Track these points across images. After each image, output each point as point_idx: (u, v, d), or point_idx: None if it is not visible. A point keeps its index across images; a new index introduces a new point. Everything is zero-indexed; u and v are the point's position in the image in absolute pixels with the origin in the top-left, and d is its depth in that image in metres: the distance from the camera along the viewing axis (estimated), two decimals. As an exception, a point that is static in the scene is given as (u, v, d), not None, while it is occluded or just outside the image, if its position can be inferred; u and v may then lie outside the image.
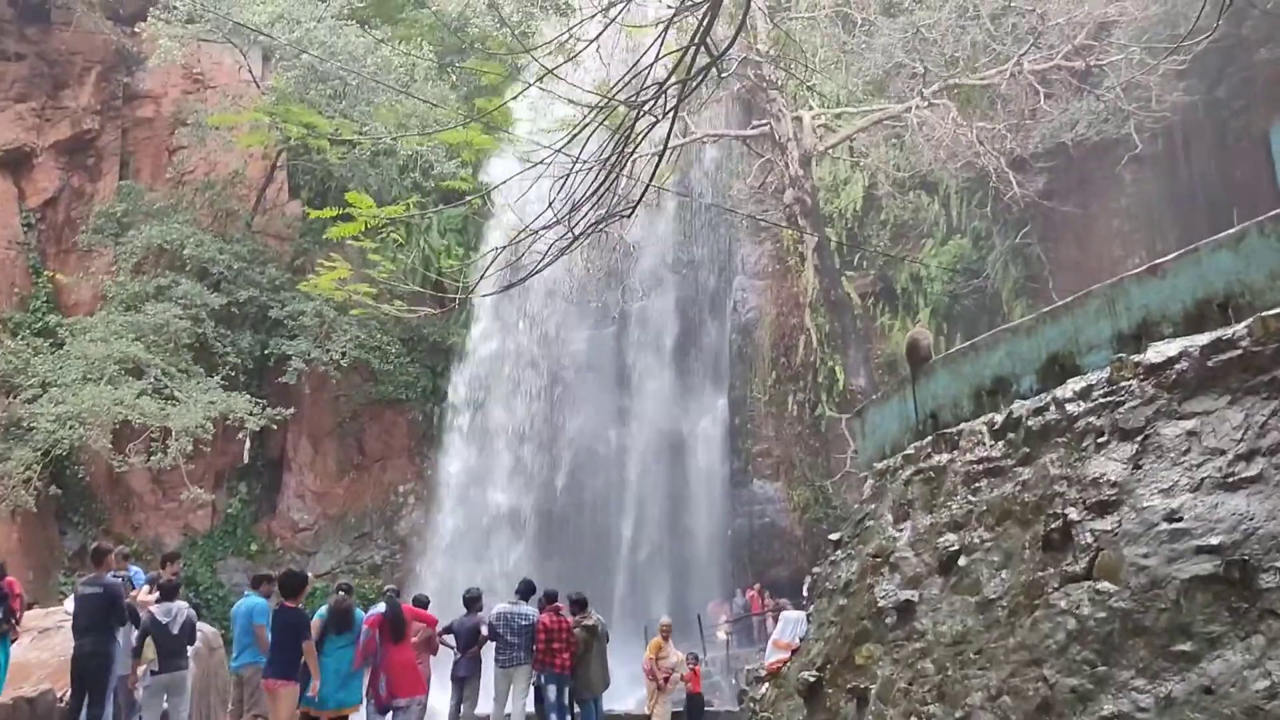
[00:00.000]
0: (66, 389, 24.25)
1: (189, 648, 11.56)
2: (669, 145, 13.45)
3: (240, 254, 29.22)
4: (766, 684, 11.01)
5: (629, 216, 12.13)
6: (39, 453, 23.97)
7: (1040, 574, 8.04)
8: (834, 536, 11.72)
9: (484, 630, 13.61)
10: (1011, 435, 9.28)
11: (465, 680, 13.51)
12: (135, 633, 11.38)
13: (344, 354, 28.17)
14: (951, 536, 9.41)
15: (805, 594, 27.51)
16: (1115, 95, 22.54)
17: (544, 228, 11.14)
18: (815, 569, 12.29)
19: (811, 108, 26.05)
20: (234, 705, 12.04)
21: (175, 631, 11.36)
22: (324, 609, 11.82)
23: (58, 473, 26.73)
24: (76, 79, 30.83)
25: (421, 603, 14.21)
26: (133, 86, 31.70)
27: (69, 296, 29.52)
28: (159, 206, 29.40)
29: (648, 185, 12.18)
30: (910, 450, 10.77)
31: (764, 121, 25.12)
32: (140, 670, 11.41)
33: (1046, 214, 28.88)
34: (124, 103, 31.57)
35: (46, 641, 12.25)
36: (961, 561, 9.10)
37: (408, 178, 29.66)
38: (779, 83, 23.56)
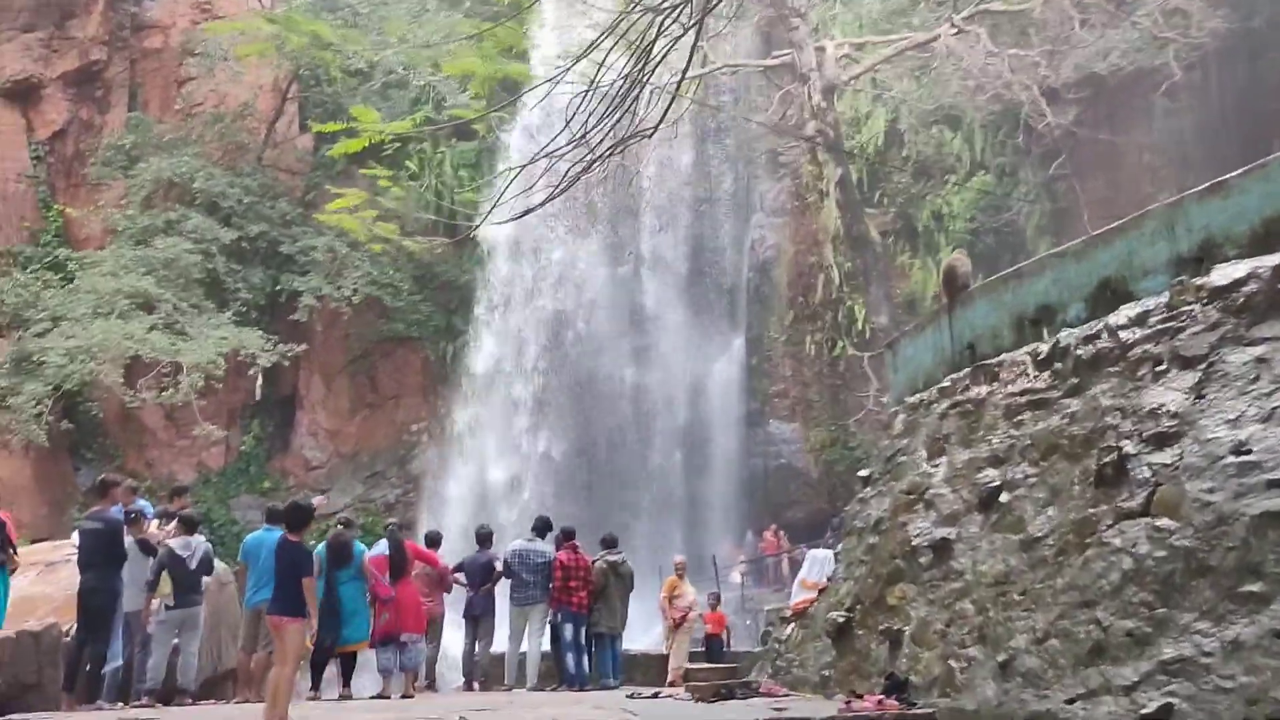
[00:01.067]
0: (76, 323, 23.83)
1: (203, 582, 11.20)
2: (688, 70, 12.75)
3: (250, 188, 28.64)
4: (792, 624, 10.59)
5: (650, 137, 11.51)
6: (50, 387, 23.61)
7: (1092, 511, 7.55)
8: (864, 473, 11.24)
9: (498, 567, 13.19)
10: (1058, 365, 8.75)
11: (479, 618, 13.13)
12: (150, 565, 10.98)
13: (356, 290, 27.66)
14: (992, 472, 8.91)
15: (831, 534, 27.23)
16: (1153, 21, 21.63)
17: (562, 148, 10.54)
18: (846, 508, 11.81)
19: (834, 36, 25.15)
20: (245, 641, 11.67)
21: (193, 566, 11.02)
22: (322, 545, 11.43)
23: (70, 408, 26.44)
24: (84, 8, 30.02)
25: (433, 538, 13.83)
26: (140, 16, 30.93)
27: (79, 230, 29.03)
28: (168, 139, 28.79)
29: (668, 106, 11.53)
30: (946, 383, 10.25)
31: (785, 52, 24.28)
32: (155, 604, 11.05)
33: (1074, 149, 28.03)
34: (132, 33, 30.82)
35: (53, 575, 11.88)
36: (1003, 498, 8.61)
37: (420, 110, 28.86)
38: (801, 10, 22.66)
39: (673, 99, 11.41)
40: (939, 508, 9.28)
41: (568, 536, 13.58)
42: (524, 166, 10.48)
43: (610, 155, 11.54)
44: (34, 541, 17.26)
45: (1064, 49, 22.47)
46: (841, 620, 9.55)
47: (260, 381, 26.98)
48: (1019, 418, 8.98)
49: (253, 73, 29.65)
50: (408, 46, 27.17)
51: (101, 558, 10.16)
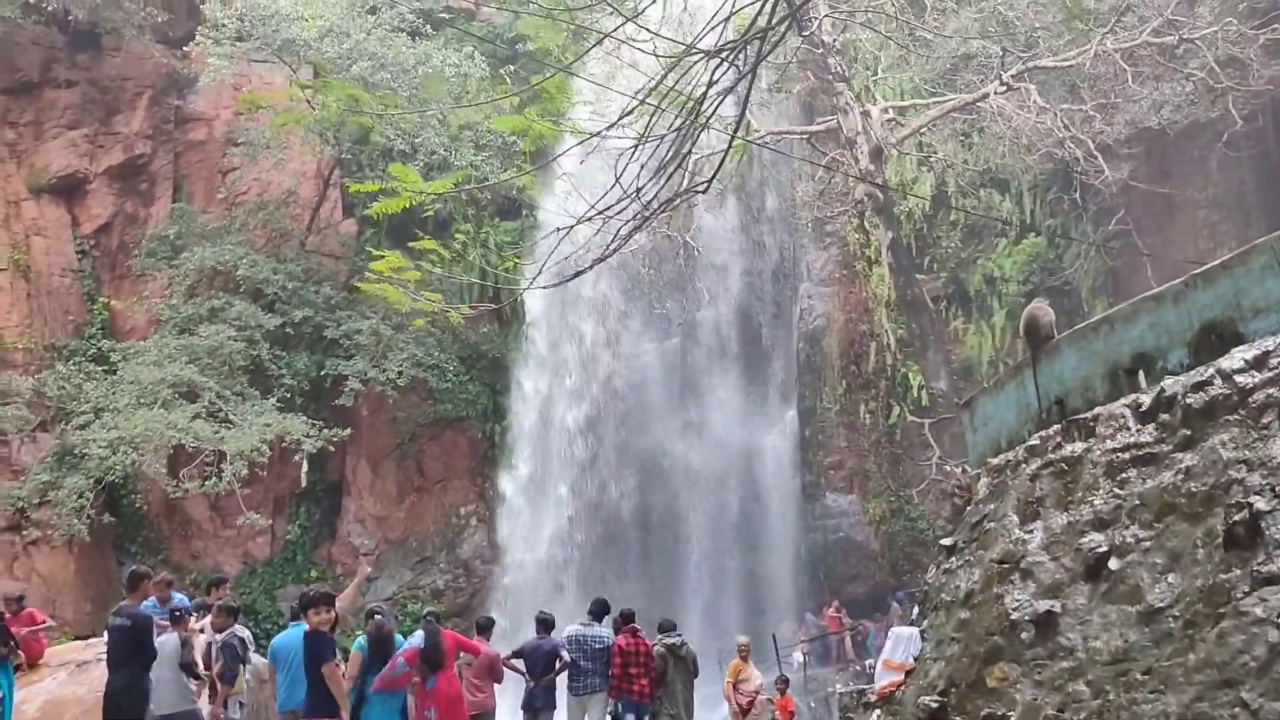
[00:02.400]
0: (119, 414, 23.58)
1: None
2: (739, 125, 12.31)
3: (294, 273, 28.51)
4: (878, 711, 9.68)
5: (704, 191, 11.00)
6: (92, 480, 23.29)
7: (1223, 576, 6.68)
8: (946, 542, 10.37)
9: (565, 655, 12.32)
10: (1165, 416, 7.93)
11: (539, 711, 12.26)
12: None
13: (401, 373, 27.27)
14: (1097, 536, 8.05)
15: (898, 607, 26.06)
16: (1207, 72, 21.00)
17: (613, 205, 10.01)
18: (926, 579, 10.90)
19: (877, 101, 24.75)
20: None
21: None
22: (362, 638, 10.67)
23: (113, 501, 26.10)
24: (128, 104, 30.43)
25: (484, 625, 13.05)
26: (184, 109, 31.27)
27: (124, 323, 29.01)
28: (212, 228, 28.83)
29: (723, 158, 11.05)
30: (1034, 441, 9.43)
31: (830, 118, 23.88)
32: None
33: (1127, 207, 27.35)
34: (175, 126, 31.14)
35: (84, 676, 11.28)
36: (1113, 565, 7.74)
37: (462, 191, 28.74)
38: (845, 74, 22.28)
39: (726, 151, 10.94)
40: (1038, 577, 8.42)
41: (626, 620, 12.75)
42: (570, 228, 9.99)
43: (663, 211, 11.07)
44: (77, 639, 16.74)
45: (1116, 103, 21.87)
46: (935, 705, 8.65)
47: (306, 469, 26.56)
48: (1123, 475, 8.16)
49: (295, 160, 29.77)
50: (456, 147, 27.19)
51: (130, 656, 9.52)
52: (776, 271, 31.53)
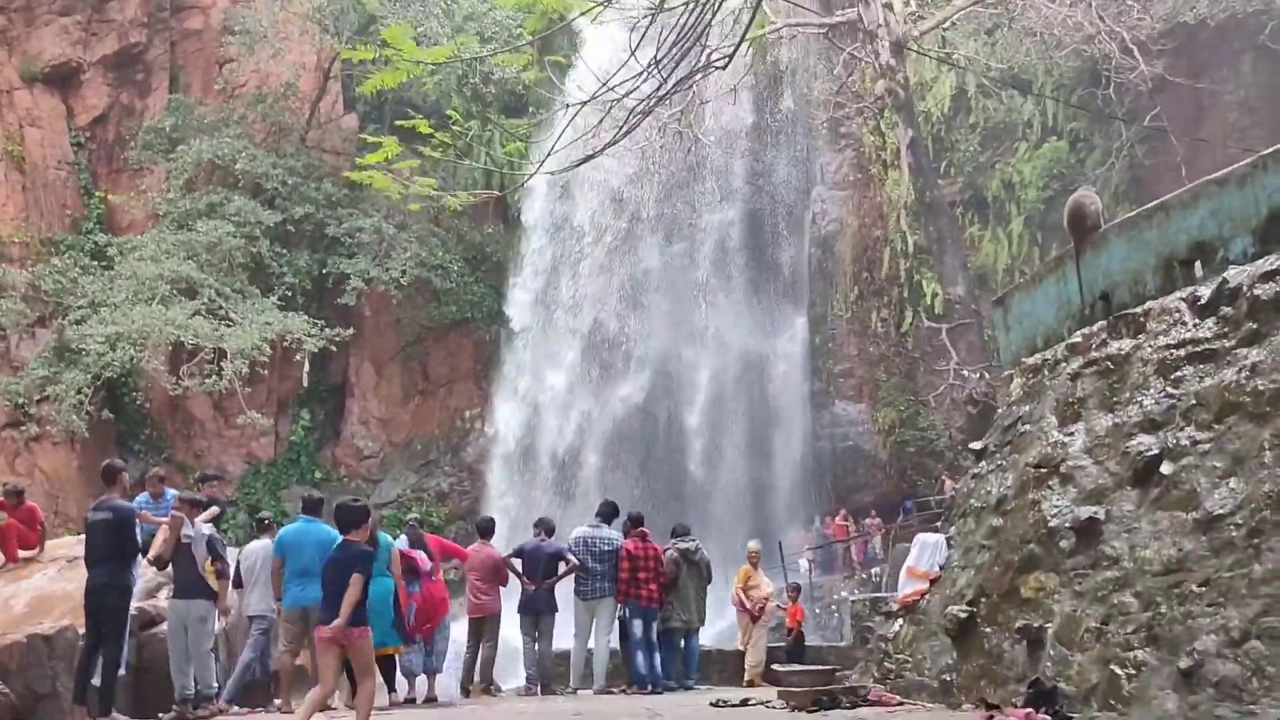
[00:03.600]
0: (117, 309, 22.99)
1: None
2: (748, 30, 11.35)
3: (294, 169, 27.65)
4: (900, 620, 9.14)
5: (724, 67, 10.14)
6: (90, 376, 22.77)
7: (1295, 480, 6.04)
8: (975, 446, 9.74)
9: (571, 559, 11.74)
10: (1227, 310, 7.22)
11: (540, 614, 11.73)
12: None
13: (404, 272, 26.60)
14: (1146, 439, 7.40)
15: (902, 517, 25.69)
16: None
17: (629, 79, 9.19)
18: (958, 486, 10.32)
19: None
20: (290, 641, 10.39)
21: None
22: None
23: (114, 398, 25.65)
24: (122, -11, 29.17)
25: (484, 527, 12.46)
26: (180, -4, 30.03)
27: (122, 217, 28.26)
28: (209, 121, 27.91)
29: (745, 31, 10.15)
30: (1076, 339, 8.74)
31: (850, 10, 22.64)
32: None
33: (1154, 110, 26.19)
34: (171, 14, 30.00)
35: (74, 572, 10.73)
36: (1165, 469, 7.10)
37: (467, 85, 27.70)
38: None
39: (746, 30, 10.03)
40: (1080, 482, 7.80)
41: (635, 523, 12.18)
42: (585, 103, 9.17)
43: (680, 89, 10.23)
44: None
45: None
46: (964, 616, 8.10)
47: (308, 368, 26.08)
48: (1178, 374, 7.48)
49: (295, 51, 28.71)
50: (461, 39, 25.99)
51: (112, 550, 8.95)
52: (789, 174, 30.44)
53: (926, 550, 9.39)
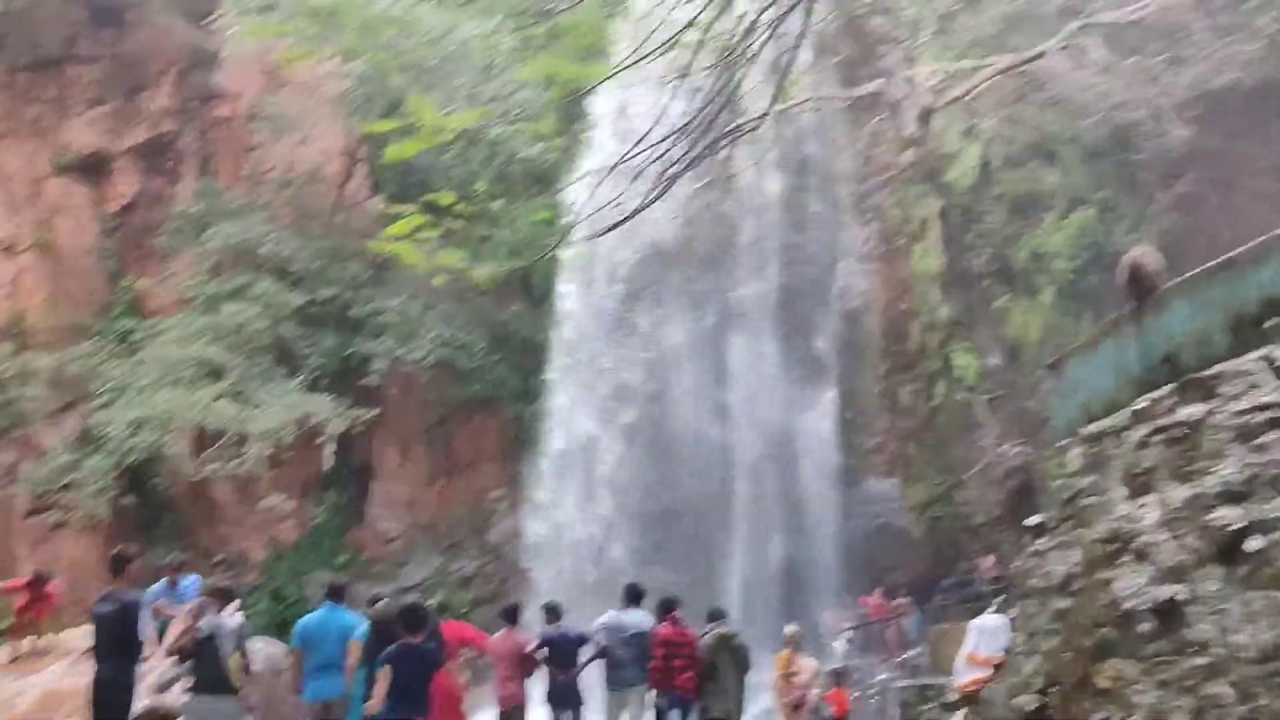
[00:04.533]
0: (141, 393, 22.73)
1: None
2: (771, 108, 11.02)
3: (321, 251, 27.59)
4: (962, 710, 8.42)
5: (756, 128, 9.77)
6: (113, 461, 22.40)
7: None
8: (1033, 521, 9.08)
9: (597, 641, 11.03)
10: (1311, 370, 6.66)
11: (569, 707, 11.02)
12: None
13: (429, 353, 26.33)
14: (1229, 511, 6.75)
15: (940, 596, 24.72)
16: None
17: (658, 142, 8.81)
18: (1015, 565, 9.62)
19: (923, 64, 23.33)
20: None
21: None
22: (363, 628, 9.56)
23: (136, 483, 25.22)
24: (153, 80, 29.51)
25: (510, 613, 11.83)
26: (210, 86, 30.25)
27: (149, 303, 28.14)
28: (237, 206, 27.94)
29: (777, 88, 9.77)
30: (1141, 404, 8.13)
31: (874, 83, 22.52)
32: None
33: (1182, 177, 25.78)
34: (201, 103, 30.16)
35: (83, 667, 10.14)
36: (1253, 544, 6.46)
37: (491, 168, 27.64)
38: (892, 35, 20.91)
39: (779, 87, 9.67)
40: (1156, 559, 7.15)
41: (667, 608, 11.50)
42: (616, 166, 8.79)
43: (711, 152, 9.85)
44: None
45: (1184, 57, 20.35)
46: (1033, 708, 7.41)
47: (332, 449, 25.62)
48: (1259, 440, 6.86)
49: (323, 137, 28.81)
50: (486, 120, 26.15)
51: (117, 645, 8.42)
52: (816, 248, 30.06)
53: (986, 635, 8.71)
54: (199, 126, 30.19)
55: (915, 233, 28.69)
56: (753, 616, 23.63)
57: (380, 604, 9.76)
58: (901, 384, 28.19)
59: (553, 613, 11.47)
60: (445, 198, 12.51)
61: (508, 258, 25.54)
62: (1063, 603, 7.84)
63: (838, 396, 28.83)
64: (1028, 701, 7.47)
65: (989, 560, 25.50)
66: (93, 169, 28.72)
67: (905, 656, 24.46)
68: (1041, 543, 8.64)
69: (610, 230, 9.93)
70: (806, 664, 13.19)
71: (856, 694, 22.90)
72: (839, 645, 25.22)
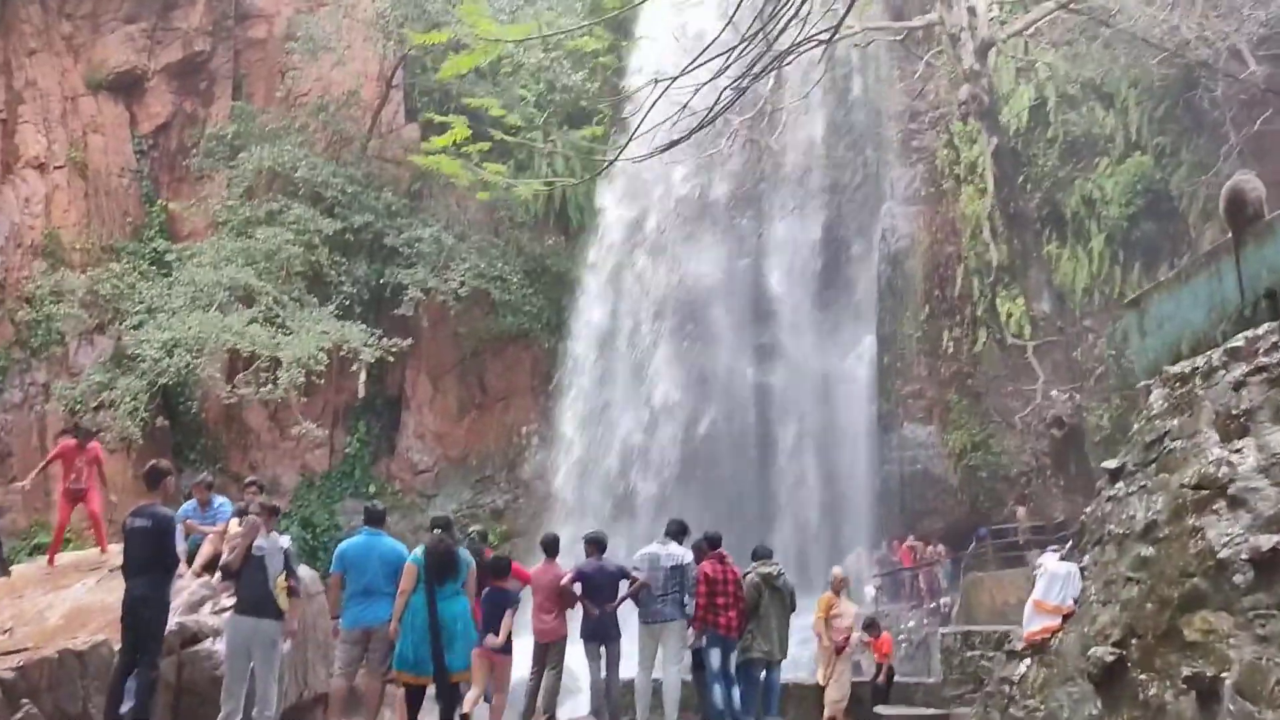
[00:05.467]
0: (173, 315, 22.45)
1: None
2: (828, 36, 10.33)
3: (355, 178, 27.14)
4: (1027, 659, 7.99)
5: (827, 43, 9.13)
6: (146, 382, 22.20)
7: None
8: (1110, 464, 8.56)
9: (634, 576, 10.61)
10: None
11: (606, 641, 10.65)
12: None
13: (463, 283, 25.92)
14: (1340, 456, 6.24)
15: (975, 544, 24.36)
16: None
17: (721, 53, 8.22)
18: (1086, 510, 9.13)
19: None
20: (346, 664, 9.46)
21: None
22: (418, 551, 9.21)
23: (169, 406, 25.11)
24: (187, -2, 28.86)
25: (549, 544, 11.39)
26: (244, 4, 29.74)
27: (182, 226, 27.85)
28: (271, 129, 27.50)
29: (836, 28, 9.09)
30: (1237, 342, 7.56)
31: (928, 14, 21.63)
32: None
33: (1244, 124, 24.77)
34: (236, 22, 29.61)
35: (114, 582, 9.85)
36: (1370, 492, 5.95)
37: (532, 93, 26.97)
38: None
39: (849, 8, 8.98)
40: (1254, 506, 6.63)
41: (712, 544, 11.06)
42: (673, 78, 8.20)
43: (775, 66, 9.24)
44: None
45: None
46: (1111, 659, 6.95)
47: (364, 379, 25.34)
48: (1377, 381, 6.29)
49: (358, 60, 28.31)
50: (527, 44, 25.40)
51: (151, 561, 8.09)
52: (859, 189, 29.33)
53: (1057, 582, 8.21)
54: (233, 46, 29.66)
55: (964, 174, 27.90)
56: (786, 559, 23.29)
57: (435, 534, 9.41)
58: (943, 329, 27.58)
59: (595, 544, 10.99)
60: (492, 105, 11.95)
61: (544, 186, 24.89)
62: (1145, 550, 7.35)
63: (876, 341, 28.33)
64: (1105, 654, 7.01)
65: (1023, 510, 25.11)
66: (126, 88, 28.26)
67: (936, 604, 24.19)
68: (1118, 488, 8.14)
69: (666, 149, 9.36)
70: (849, 608, 12.78)
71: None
72: (868, 590, 24.94)
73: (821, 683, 12.43)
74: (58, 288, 24.12)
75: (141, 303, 23.45)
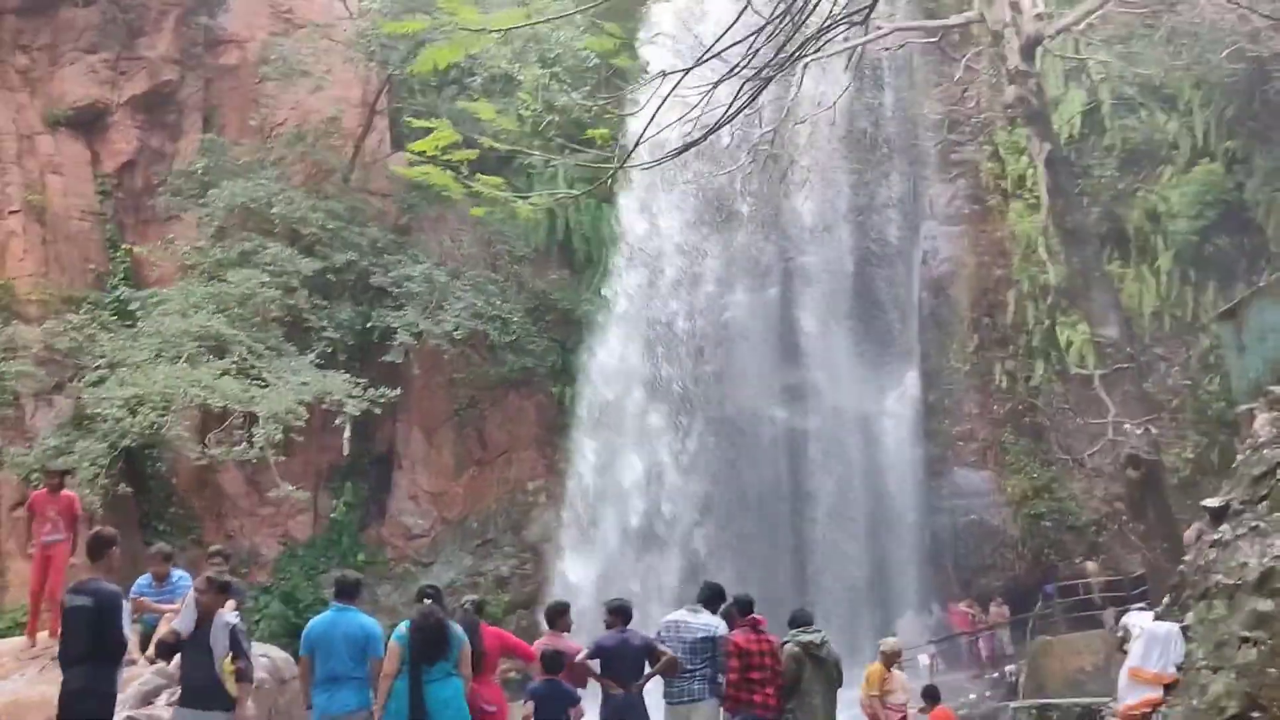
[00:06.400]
0: (137, 369, 22.02)
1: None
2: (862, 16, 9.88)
3: (337, 213, 26.88)
4: (1125, 740, 7.33)
5: (862, 22, 8.64)
6: (107, 444, 21.75)
7: None
8: (1212, 503, 7.94)
9: (663, 650, 10.01)
10: None
11: (629, 727, 10.05)
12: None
13: (458, 325, 25.58)
14: None
15: (1042, 603, 23.61)
16: None
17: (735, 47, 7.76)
18: (1184, 560, 8.49)
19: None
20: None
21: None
22: (402, 628, 8.65)
23: (134, 471, 24.63)
24: (153, 24, 28.85)
25: (558, 613, 10.80)
26: (215, 30, 29.67)
27: (149, 271, 27.62)
28: (244, 162, 27.28)
29: (872, 6, 8.60)
30: (1362, 353, 6.99)
31: (969, 10, 21.29)
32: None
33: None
34: (205, 49, 29.56)
35: (56, 673, 9.24)
36: None
37: (528, 114, 26.72)
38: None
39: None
40: (1398, 548, 5.98)
41: (743, 610, 10.45)
42: (700, 61, 7.73)
43: (803, 57, 8.76)
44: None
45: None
46: (1230, 737, 6.29)
47: (349, 435, 24.86)
48: None
49: (338, 85, 28.21)
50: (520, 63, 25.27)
51: (92, 647, 7.52)
52: (895, 208, 28.91)
53: (1156, 645, 7.54)
54: (202, 75, 29.58)
55: (1011, 189, 27.49)
56: (829, 625, 22.60)
57: (420, 606, 8.84)
58: (995, 361, 27.13)
59: (619, 614, 10.41)
60: (484, 110, 11.54)
61: (543, 212, 24.52)
62: (1262, 605, 6.71)
63: (920, 377, 27.80)
64: (1223, 729, 6.36)
65: (1091, 565, 24.38)
66: (88, 124, 28.14)
67: (1000, 673, 23.42)
68: (1224, 531, 7.51)
69: (683, 151, 8.89)
70: (902, 680, 12.13)
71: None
72: (921, 659, 24.20)
73: (875, 768, 11.73)
74: (11, 343, 23.77)
75: (102, 356, 23.05)
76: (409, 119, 22.15)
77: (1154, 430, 17.23)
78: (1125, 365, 18.38)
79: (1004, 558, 26.29)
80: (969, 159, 28.10)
